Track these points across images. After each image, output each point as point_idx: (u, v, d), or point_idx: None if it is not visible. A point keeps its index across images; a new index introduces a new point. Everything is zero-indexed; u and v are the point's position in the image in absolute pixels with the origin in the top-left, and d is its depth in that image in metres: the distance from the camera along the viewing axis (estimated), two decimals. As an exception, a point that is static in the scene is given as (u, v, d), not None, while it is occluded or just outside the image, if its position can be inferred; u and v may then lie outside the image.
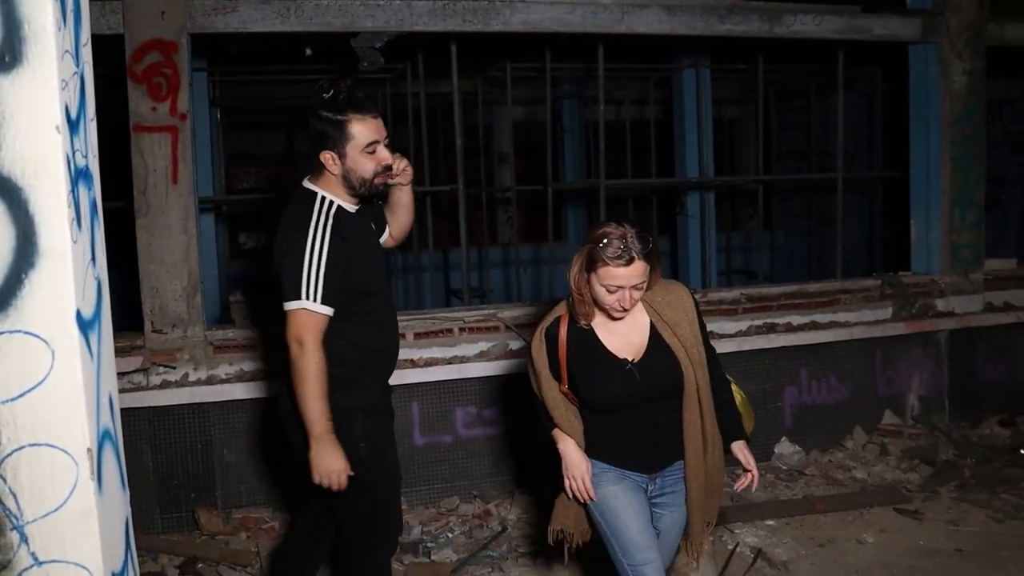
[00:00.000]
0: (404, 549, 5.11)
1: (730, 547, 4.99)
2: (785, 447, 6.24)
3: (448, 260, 11.04)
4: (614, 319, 3.22)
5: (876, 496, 5.60)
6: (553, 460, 3.45)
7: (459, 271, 10.29)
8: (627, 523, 3.28)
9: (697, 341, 3.26)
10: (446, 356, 5.78)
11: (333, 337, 3.36)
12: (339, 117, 3.31)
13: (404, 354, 5.74)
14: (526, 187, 8.96)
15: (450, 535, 5.34)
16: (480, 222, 10.51)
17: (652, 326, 3.26)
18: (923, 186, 6.80)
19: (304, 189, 3.44)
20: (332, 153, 3.34)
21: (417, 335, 5.78)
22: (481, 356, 5.81)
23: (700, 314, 3.34)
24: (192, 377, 5.44)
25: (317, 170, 3.42)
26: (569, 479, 3.33)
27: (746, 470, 3.35)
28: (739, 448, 3.38)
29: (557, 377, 3.29)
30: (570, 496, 3.38)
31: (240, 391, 5.45)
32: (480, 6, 5.61)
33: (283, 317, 3.34)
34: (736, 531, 5.19)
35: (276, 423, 5.35)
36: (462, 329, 5.84)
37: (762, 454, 6.19)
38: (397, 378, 5.48)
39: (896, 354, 6.60)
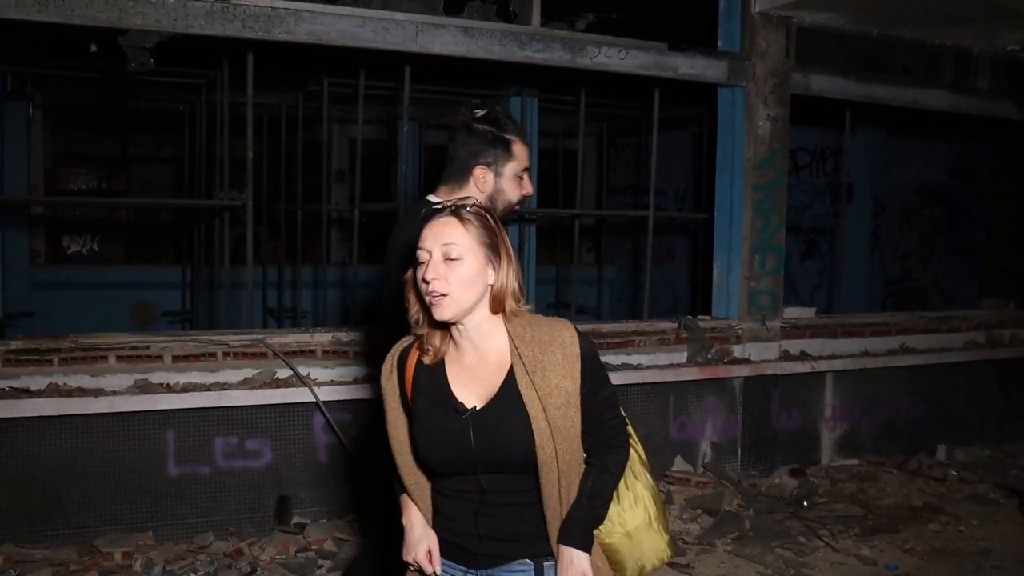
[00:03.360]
0: (138, 591, 4.70)
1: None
2: (569, 491, 6.00)
3: (268, 278, 10.54)
4: (436, 324, 2.42)
5: (649, 547, 5.40)
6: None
7: (285, 289, 9.93)
8: None
9: (569, 401, 2.37)
10: (207, 382, 5.37)
11: None
12: (504, 135, 3.20)
13: (160, 378, 5.33)
14: (340, 208, 8.62)
15: (193, 575, 4.93)
16: (294, 241, 10.06)
17: (511, 370, 2.42)
18: (726, 229, 6.72)
19: (433, 201, 3.14)
20: (488, 170, 3.20)
21: (176, 358, 5.36)
22: (245, 383, 5.42)
23: (596, 369, 2.46)
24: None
25: (455, 183, 3.25)
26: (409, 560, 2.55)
27: None
28: (568, 557, 2.41)
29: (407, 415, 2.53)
30: None
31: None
32: (263, 12, 5.23)
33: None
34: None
35: None
36: (226, 354, 5.44)
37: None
38: (149, 403, 5.21)
39: (690, 399, 6.47)
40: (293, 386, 5.47)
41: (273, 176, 10.00)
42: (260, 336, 5.56)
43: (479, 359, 2.45)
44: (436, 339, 2.46)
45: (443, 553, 2.52)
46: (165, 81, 9.13)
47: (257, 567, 5.03)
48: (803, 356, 6.88)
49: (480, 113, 3.24)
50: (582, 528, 2.43)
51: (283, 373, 5.51)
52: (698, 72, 6.48)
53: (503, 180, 3.23)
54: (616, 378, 6.13)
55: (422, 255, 2.36)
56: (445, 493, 2.49)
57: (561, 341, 2.40)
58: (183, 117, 10.39)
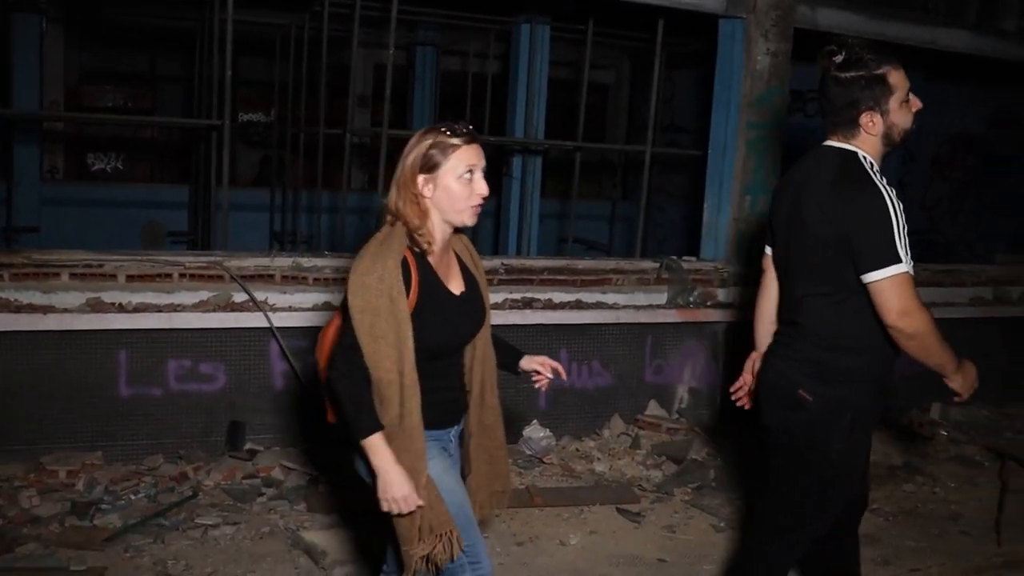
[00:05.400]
0: (74, 509, 4.64)
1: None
2: (535, 431, 5.84)
3: (273, 201, 10.40)
4: (465, 226, 2.85)
5: (603, 493, 5.24)
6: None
7: (296, 213, 9.81)
8: (464, 498, 2.94)
9: (484, 274, 3.08)
10: (160, 303, 5.26)
11: (852, 314, 3.08)
12: (876, 72, 3.07)
13: (113, 297, 5.24)
14: (331, 130, 8.40)
15: (133, 497, 4.87)
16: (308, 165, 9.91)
17: (461, 262, 2.99)
18: (718, 167, 6.44)
19: (838, 148, 3.15)
20: (872, 112, 3.09)
21: (130, 277, 5.26)
22: (200, 306, 5.30)
23: None
24: None
25: (847, 132, 3.14)
26: (389, 502, 2.70)
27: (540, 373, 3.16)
28: (530, 358, 3.19)
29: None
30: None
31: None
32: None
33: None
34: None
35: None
36: (182, 275, 5.33)
37: (510, 437, 5.80)
38: (100, 322, 5.12)
39: (668, 343, 6.25)
40: (249, 311, 5.35)
41: (283, 99, 9.85)
42: (218, 258, 5.43)
43: (448, 258, 2.92)
44: (434, 243, 2.81)
45: (441, 419, 2.91)
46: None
47: (199, 491, 4.96)
48: (793, 304, 6.60)
49: (840, 59, 3.10)
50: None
51: (240, 297, 5.39)
52: (696, 1, 6.16)
53: (891, 116, 3.10)
54: (590, 317, 5.97)
55: (471, 170, 2.75)
56: (441, 371, 2.88)
57: (465, 239, 3.06)
58: (193, 35, 10.24)
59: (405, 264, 2.70)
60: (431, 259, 2.81)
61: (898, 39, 6.82)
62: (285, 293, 5.47)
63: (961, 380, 3.13)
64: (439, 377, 2.87)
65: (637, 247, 7.00)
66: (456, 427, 3.02)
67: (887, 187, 3.00)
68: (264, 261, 5.52)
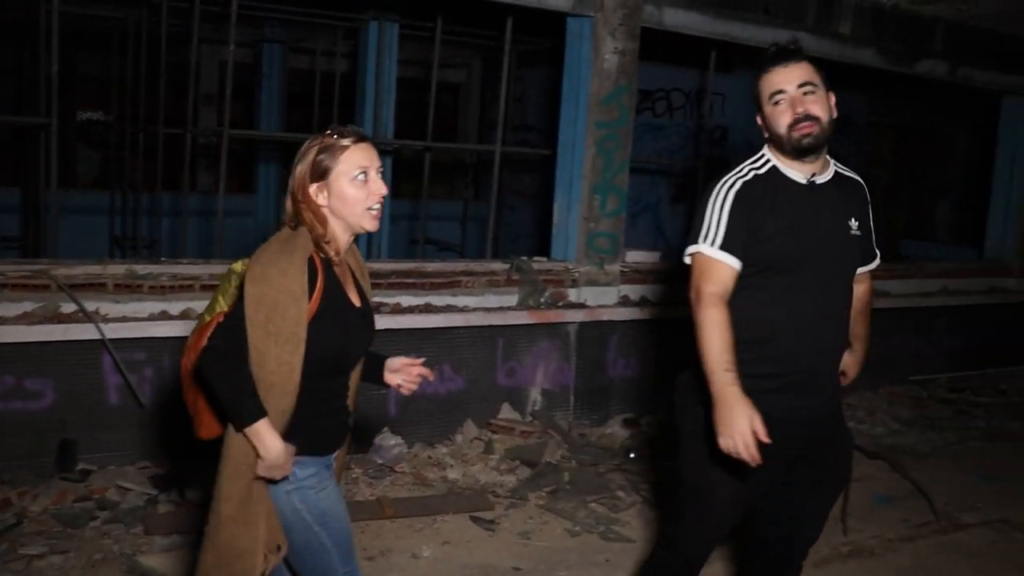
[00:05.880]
0: None
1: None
2: (386, 439, 5.69)
3: (114, 204, 9.91)
4: (365, 231, 2.71)
5: (456, 501, 5.14)
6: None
7: (137, 217, 9.35)
8: (347, 526, 2.79)
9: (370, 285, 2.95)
10: (-22, 315, 4.92)
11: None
12: (754, 76, 3.13)
13: (-75, 310, 4.86)
14: (172, 130, 8.03)
15: (-51, 529, 4.52)
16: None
17: (354, 275, 2.82)
18: (567, 167, 6.41)
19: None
20: (759, 115, 3.12)
21: (-56, 289, 4.90)
22: (24, 318, 4.97)
23: None
24: None
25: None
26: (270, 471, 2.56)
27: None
28: (391, 363, 2.99)
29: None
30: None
31: None
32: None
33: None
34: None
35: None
36: (3, 285, 4.98)
37: (361, 446, 5.66)
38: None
39: (520, 345, 6.18)
40: (79, 322, 5.03)
41: (123, 96, 9.41)
42: (44, 266, 5.11)
43: (345, 268, 2.75)
44: (340, 251, 2.69)
45: (333, 443, 2.78)
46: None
47: (24, 518, 4.63)
48: (643, 302, 6.64)
49: None
50: None
51: (68, 307, 5.08)
52: (542, -2, 6.12)
53: (763, 117, 3.09)
54: (440, 320, 5.86)
55: (369, 172, 2.63)
56: (336, 391, 2.76)
57: (355, 248, 2.87)
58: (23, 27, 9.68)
59: (312, 264, 2.58)
60: (335, 268, 2.69)
61: (741, 39, 6.94)
62: (118, 303, 5.18)
63: (729, 414, 2.80)
64: (334, 399, 2.76)
65: (488, 248, 6.93)
66: (337, 452, 2.85)
67: (738, 180, 3.01)
68: (95, 269, 5.21)
